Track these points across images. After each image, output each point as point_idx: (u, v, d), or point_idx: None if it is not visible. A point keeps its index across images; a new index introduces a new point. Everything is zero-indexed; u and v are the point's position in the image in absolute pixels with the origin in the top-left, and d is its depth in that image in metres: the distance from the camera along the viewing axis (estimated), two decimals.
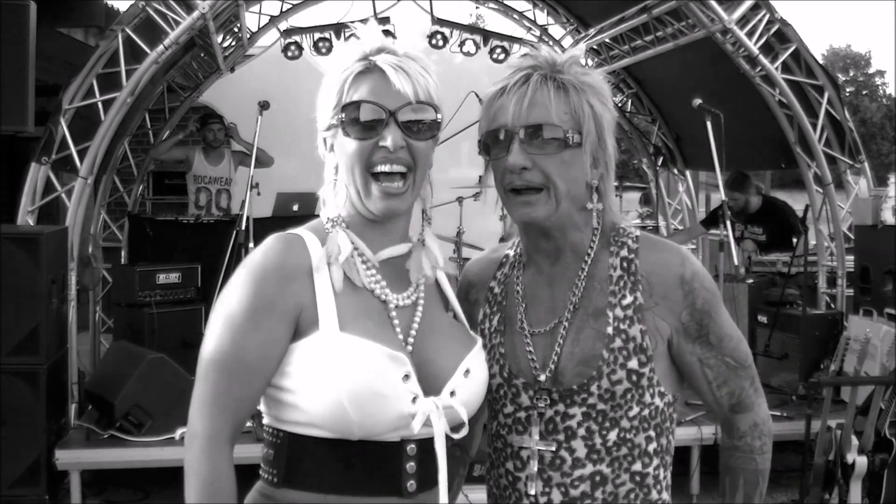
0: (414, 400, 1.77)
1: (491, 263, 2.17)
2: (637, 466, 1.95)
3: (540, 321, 2.00)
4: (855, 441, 4.90)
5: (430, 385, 1.81)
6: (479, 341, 1.95)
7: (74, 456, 5.61)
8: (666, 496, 2.01)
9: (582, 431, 1.93)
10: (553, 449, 1.94)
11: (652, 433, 1.97)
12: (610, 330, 1.93)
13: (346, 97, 1.83)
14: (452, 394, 1.83)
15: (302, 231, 1.88)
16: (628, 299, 1.95)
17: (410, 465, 1.80)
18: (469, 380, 1.87)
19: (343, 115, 1.83)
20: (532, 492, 1.94)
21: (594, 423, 1.93)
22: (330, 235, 1.85)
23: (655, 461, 1.98)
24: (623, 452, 1.94)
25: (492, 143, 1.96)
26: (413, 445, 1.80)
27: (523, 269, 2.08)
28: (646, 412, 1.95)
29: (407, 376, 1.76)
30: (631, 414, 1.94)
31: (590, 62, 9.27)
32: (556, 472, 1.94)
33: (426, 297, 1.93)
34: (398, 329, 1.85)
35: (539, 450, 1.95)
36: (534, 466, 1.95)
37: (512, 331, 2.03)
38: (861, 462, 4.87)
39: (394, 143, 1.80)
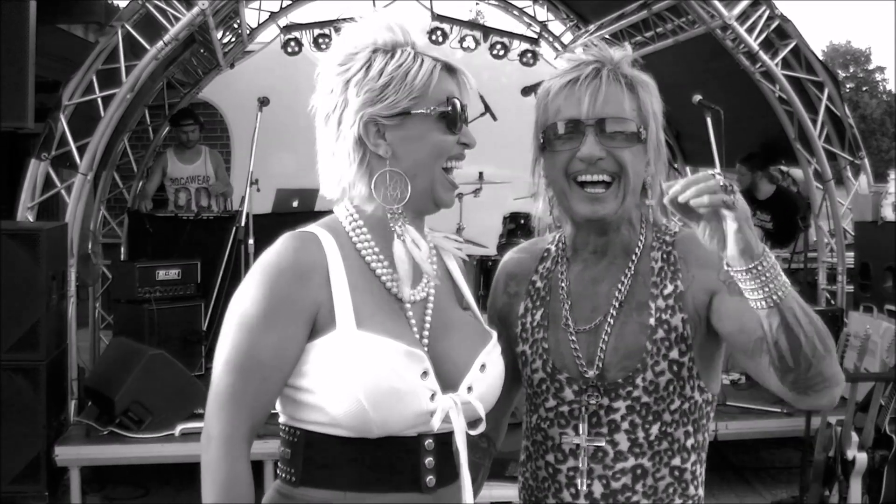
0: (432, 397, 1.76)
1: (532, 256, 2.17)
2: (676, 461, 1.97)
3: (584, 318, 2.01)
4: (855, 437, 4.90)
5: (447, 381, 1.80)
6: (494, 336, 1.94)
7: (74, 452, 5.61)
8: (701, 491, 2.03)
9: (625, 425, 1.95)
10: (601, 444, 1.95)
11: (690, 428, 1.98)
12: (652, 321, 1.94)
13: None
14: (469, 389, 1.82)
15: (315, 228, 1.85)
16: (669, 288, 1.96)
17: (429, 461, 1.79)
18: (485, 375, 1.85)
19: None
20: (582, 487, 1.95)
21: (638, 416, 1.94)
22: (352, 234, 1.85)
23: (693, 457, 1.99)
24: (664, 447, 1.96)
25: (554, 135, 1.96)
26: (431, 440, 1.79)
27: (568, 265, 2.08)
28: (686, 406, 1.97)
29: (425, 373, 1.75)
30: (672, 407, 1.95)
31: None
32: (598, 464, 1.96)
33: (437, 291, 1.92)
34: (413, 325, 1.83)
35: (583, 445, 1.96)
36: (582, 462, 1.96)
37: (556, 327, 2.03)
38: (861, 458, 4.87)
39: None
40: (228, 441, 1.73)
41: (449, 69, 1.86)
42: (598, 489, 1.95)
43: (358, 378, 1.70)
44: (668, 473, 1.96)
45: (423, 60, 1.81)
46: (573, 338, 2.00)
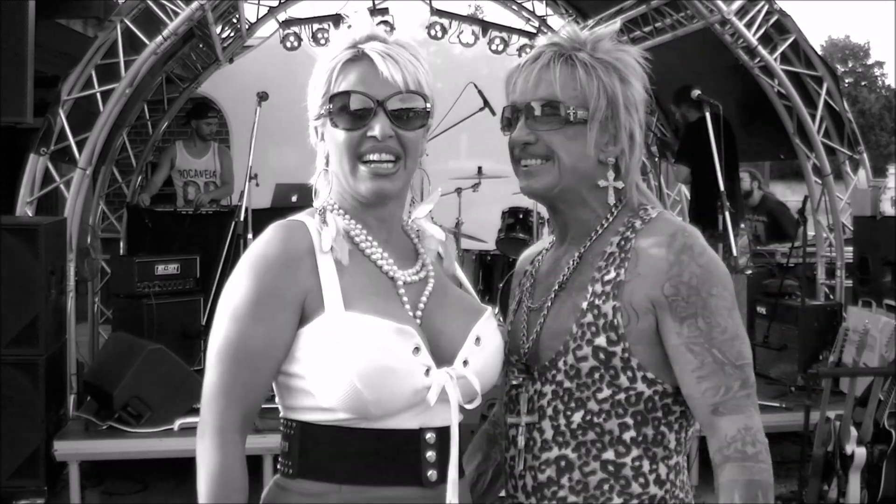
0: (427, 372, 1.75)
1: (535, 250, 2.16)
2: (609, 455, 1.84)
3: (537, 298, 1.99)
4: (854, 432, 4.91)
5: (443, 356, 1.80)
6: (489, 309, 1.93)
7: (73, 447, 5.62)
8: (656, 490, 1.86)
9: (550, 411, 1.88)
10: (535, 420, 1.89)
11: (629, 420, 1.84)
12: (584, 304, 1.87)
13: (335, 87, 1.83)
14: (465, 363, 1.81)
15: (302, 216, 1.87)
16: (611, 275, 1.87)
17: (430, 455, 1.78)
18: (481, 348, 1.85)
19: (331, 105, 1.82)
20: (519, 468, 1.90)
21: (561, 402, 1.87)
22: (328, 216, 1.85)
23: (635, 451, 1.84)
24: (590, 437, 1.85)
25: (502, 120, 1.99)
26: (432, 434, 1.78)
27: (551, 249, 2.08)
28: (620, 396, 1.84)
29: (417, 349, 1.75)
30: (600, 396, 1.84)
31: None
32: (529, 454, 1.90)
33: (436, 274, 1.93)
34: (406, 303, 1.84)
35: (521, 427, 1.91)
36: (521, 442, 1.91)
37: (519, 309, 2.02)
38: (860, 453, 4.88)
39: (382, 132, 1.80)
40: (221, 431, 1.74)
41: (356, 58, 1.83)
42: (529, 481, 1.90)
43: (349, 359, 1.70)
44: (599, 468, 1.84)
45: (333, 59, 1.84)
46: (525, 318, 1.98)
